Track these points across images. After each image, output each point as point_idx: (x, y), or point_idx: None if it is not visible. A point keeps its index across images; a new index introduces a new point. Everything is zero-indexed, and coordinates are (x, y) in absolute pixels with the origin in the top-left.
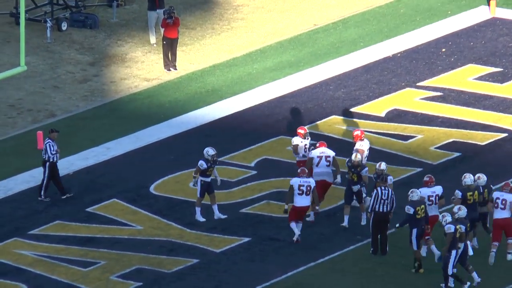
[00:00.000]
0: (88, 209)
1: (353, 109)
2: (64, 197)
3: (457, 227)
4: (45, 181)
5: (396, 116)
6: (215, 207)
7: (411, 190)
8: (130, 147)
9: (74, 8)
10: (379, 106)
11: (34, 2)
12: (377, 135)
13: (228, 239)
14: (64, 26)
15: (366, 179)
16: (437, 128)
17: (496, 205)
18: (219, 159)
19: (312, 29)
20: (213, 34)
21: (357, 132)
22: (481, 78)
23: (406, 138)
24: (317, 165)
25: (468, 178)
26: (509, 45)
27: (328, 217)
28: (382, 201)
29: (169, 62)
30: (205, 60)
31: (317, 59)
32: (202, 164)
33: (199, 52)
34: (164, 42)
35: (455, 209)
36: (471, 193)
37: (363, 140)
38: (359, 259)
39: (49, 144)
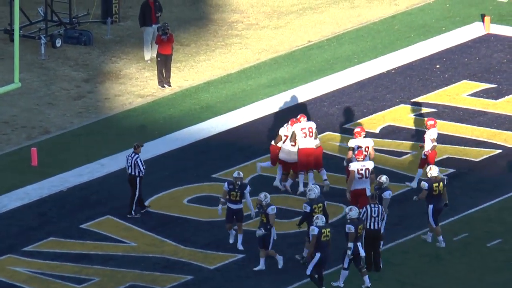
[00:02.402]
0: (82, 226)
1: (347, 126)
2: (143, 211)
3: (322, 230)
4: (136, 197)
5: (390, 132)
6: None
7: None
8: (124, 164)
9: (68, 25)
10: (374, 122)
11: (28, 18)
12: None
13: (222, 256)
14: (58, 42)
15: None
16: None
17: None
18: (214, 175)
19: (306, 45)
20: (207, 50)
21: (357, 129)
22: (475, 95)
23: (400, 154)
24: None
25: (433, 170)
26: (503, 61)
27: None
28: (373, 218)
29: (163, 78)
30: (199, 76)
31: (312, 76)
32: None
33: (193, 68)
34: (159, 59)
35: (347, 209)
36: (436, 184)
37: (363, 137)
38: (353, 275)
39: (140, 159)
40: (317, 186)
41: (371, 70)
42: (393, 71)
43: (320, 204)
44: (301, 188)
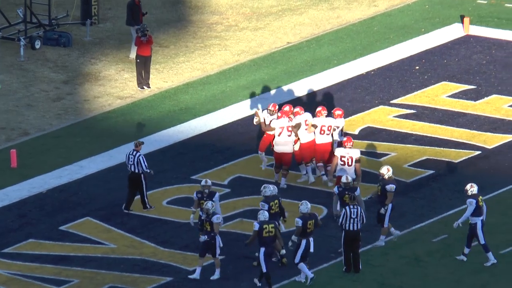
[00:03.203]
0: (62, 228)
1: None
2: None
3: (264, 226)
4: (145, 193)
5: (369, 133)
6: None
7: (263, 185)
8: (104, 165)
9: (48, 27)
10: (353, 123)
11: (7, 20)
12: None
13: None
14: (37, 44)
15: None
16: (411, 145)
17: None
18: (193, 176)
19: (285, 47)
20: (186, 52)
21: (318, 108)
22: (454, 96)
23: (379, 155)
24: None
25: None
26: (482, 63)
27: None
28: (352, 219)
29: (143, 80)
30: (178, 78)
31: (291, 77)
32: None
33: (172, 70)
34: (138, 60)
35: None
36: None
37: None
38: (333, 277)
39: (142, 157)
40: (273, 185)
41: (350, 72)
42: (372, 72)
43: (276, 201)
44: (311, 179)
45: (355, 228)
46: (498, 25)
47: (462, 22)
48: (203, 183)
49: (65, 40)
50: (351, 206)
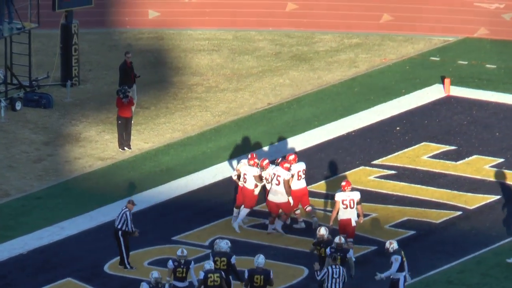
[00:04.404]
0: None
1: (308, 188)
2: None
3: (209, 275)
4: (123, 252)
5: None
6: None
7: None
8: (85, 227)
9: (28, 88)
10: (334, 185)
11: None
12: (330, 213)
13: None
14: (18, 105)
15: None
16: (392, 206)
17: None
18: (174, 238)
19: (266, 108)
20: (167, 113)
21: (343, 183)
22: (435, 156)
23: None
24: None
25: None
26: (463, 123)
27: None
28: (334, 279)
29: (124, 141)
30: (159, 139)
31: (272, 138)
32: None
33: (153, 131)
34: (119, 122)
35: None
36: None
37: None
38: None
39: (127, 213)
40: (227, 241)
41: (331, 133)
42: (353, 133)
43: (224, 258)
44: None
45: None
46: (479, 85)
47: (443, 83)
48: (179, 253)
49: (46, 101)
50: (334, 266)
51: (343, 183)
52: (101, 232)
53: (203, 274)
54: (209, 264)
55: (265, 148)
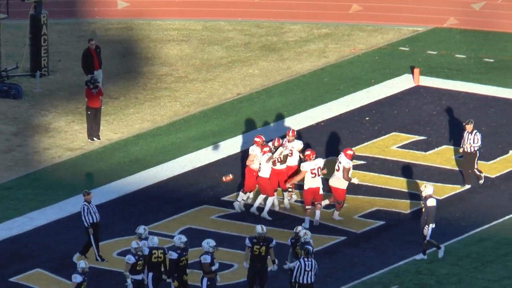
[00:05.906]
0: (12, 279)
1: None
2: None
3: (153, 251)
4: (93, 244)
5: None
6: None
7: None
8: (54, 217)
9: None
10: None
11: None
12: (301, 204)
13: None
14: None
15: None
16: (361, 196)
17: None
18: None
19: (235, 98)
20: (136, 103)
21: (307, 152)
22: (405, 147)
23: (329, 206)
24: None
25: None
26: (433, 113)
27: None
28: (306, 272)
29: (93, 131)
30: (128, 129)
31: (241, 128)
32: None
33: (122, 121)
34: (88, 112)
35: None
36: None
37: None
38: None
39: (83, 207)
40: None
41: (300, 123)
42: (322, 123)
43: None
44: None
45: (309, 281)
46: (449, 75)
47: (412, 73)
48: (134, 245)
49: (15, 92)
50: (306, 259)
51: (308, 153)
52: (70, 223)
53: (147, 250)
54: (152, 242)
55: (234, 138)
